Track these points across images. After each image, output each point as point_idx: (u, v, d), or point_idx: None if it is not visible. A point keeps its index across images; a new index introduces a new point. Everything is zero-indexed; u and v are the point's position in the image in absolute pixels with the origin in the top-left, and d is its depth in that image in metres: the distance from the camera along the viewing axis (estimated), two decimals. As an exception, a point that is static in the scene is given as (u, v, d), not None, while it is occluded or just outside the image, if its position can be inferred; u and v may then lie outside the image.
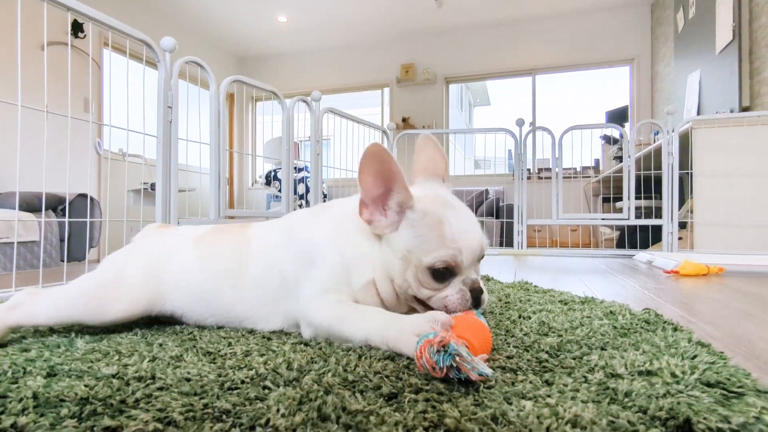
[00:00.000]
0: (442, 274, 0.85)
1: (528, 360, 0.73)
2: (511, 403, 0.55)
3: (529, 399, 0.57)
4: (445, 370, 0.62)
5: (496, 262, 2.80)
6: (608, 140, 5.38)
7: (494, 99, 11.60)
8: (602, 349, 0.79)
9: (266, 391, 0.60)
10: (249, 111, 7.35)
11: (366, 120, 3.44)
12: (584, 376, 0.65)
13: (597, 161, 5.68)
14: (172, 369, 0.69)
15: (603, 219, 4.05)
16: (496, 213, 5.34)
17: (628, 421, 0.49)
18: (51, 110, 1.48)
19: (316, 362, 0.72)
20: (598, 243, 5.16)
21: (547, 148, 3.83)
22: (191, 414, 0.53)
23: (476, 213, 5.04)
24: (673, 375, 0.63)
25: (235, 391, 0.60)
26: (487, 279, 1.78)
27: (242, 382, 0.64)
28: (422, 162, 1.02)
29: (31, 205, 3.20)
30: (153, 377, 0.65)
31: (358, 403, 0.56)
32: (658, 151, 3.52)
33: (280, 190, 4.90)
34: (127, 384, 0.63)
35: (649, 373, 0.65)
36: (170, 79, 1.80)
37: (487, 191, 5.81)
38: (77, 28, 4.21)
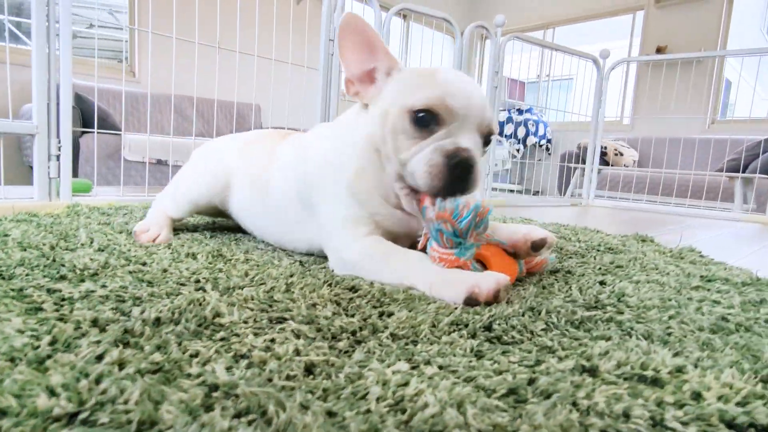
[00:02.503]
0: (424, 120, 0.71)
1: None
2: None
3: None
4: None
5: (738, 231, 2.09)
6: None
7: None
8: None
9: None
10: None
11: (569, 48, 2.93)
12: None
13: None
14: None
15: None
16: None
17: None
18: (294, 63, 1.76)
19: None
20: None
21: None
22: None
23: (742, 170, 3.78)
24: None
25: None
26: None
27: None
28: None
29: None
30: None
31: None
32: None
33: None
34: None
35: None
36: (333, 13, 1.88)
37: (770, 140, 4.29)
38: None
